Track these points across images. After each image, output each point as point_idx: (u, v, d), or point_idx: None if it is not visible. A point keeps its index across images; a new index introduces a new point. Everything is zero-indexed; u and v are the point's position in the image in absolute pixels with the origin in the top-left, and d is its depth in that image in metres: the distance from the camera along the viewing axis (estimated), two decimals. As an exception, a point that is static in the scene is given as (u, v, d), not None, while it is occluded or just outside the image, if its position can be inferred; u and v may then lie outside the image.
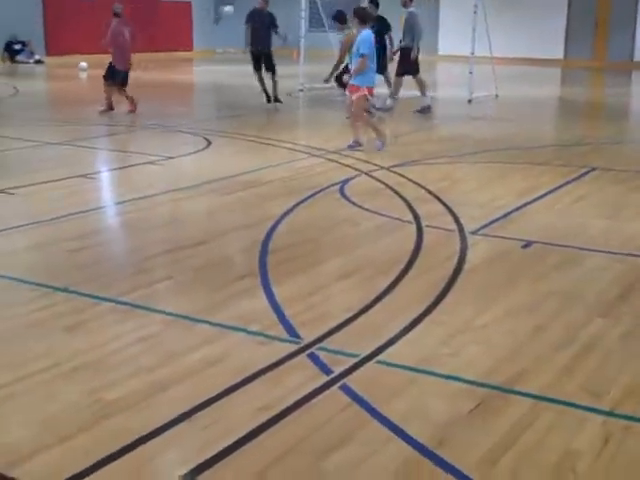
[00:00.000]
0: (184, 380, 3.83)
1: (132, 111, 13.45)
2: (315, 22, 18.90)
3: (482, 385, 3.83)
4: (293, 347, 4.22)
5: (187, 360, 4.06)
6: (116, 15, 13.67)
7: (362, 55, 9.74)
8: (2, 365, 3.98)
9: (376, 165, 9.18)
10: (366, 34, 9.82)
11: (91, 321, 4.59)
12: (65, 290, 5.04)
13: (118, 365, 3.99)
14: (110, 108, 13.55)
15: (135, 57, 13.69)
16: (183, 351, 4.16)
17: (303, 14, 18.24)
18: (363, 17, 9.95)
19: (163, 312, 4.71)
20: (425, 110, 14.42)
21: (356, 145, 10.17)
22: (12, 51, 26.00)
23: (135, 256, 5.95)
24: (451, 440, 3.34)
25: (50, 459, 3.17)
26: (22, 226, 6.61)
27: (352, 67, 10.17)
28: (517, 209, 7.31)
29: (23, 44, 25.99)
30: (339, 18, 13.28)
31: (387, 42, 14.76)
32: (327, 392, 3.73)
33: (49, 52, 26.96)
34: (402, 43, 14.52)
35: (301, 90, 17.62)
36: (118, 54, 13.40)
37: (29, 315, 4.66)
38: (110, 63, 13.57)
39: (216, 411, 3.55)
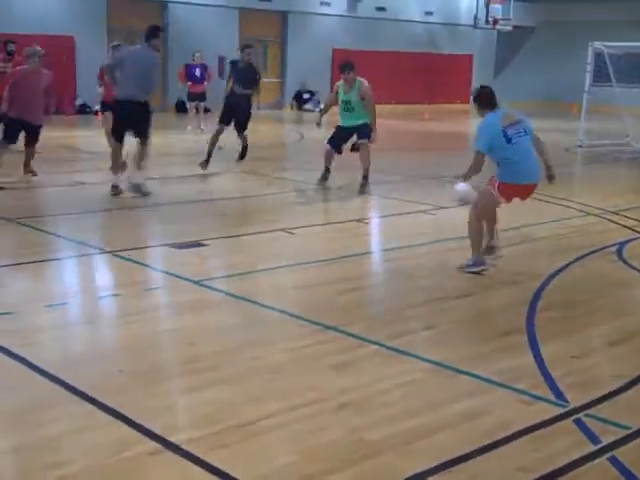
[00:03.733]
0: (444, 429, 3.83)
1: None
2: (601, 76, 18.25)
3: None
4: (559, 410, 4.07)
5: (448, 410, 4.05)
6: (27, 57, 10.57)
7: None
8: (273, 394, 4.21)
9: (659, 228, 8.66)
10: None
11: (357, 361, 4.72)
12: (334, 329, 5.23)
13: (381, 407, 4.07)
14: None
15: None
16: (445, 400, 4.16)
17: (588, 67, 17.69)
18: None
19: (426, 360, 4.74)
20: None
21: (477, 265, 6.77)
22: (300, 100, 27.79)
23: (400, 302, 6.04)
24: None
25: (312, 490, 3.29)
26: (299, 264, 6.98)
27: None
28: None
29: (311, 94, 27.67)
30: None
31: None
32: (594, 462, 3.55)
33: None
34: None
35: (580, 146, 17.10)
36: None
37: (300, 350, 4.89)
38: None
39: (475, 465, 3.50)
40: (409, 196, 10.55)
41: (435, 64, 30.97)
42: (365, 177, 10.72)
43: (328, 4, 28.18)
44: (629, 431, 3.84)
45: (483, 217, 6.84)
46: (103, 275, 6.81)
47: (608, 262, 7.30)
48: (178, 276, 6.38)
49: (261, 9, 26.47)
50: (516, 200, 6.92)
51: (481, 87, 7.09)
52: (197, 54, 19.41)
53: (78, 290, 6.24)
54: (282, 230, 8.19)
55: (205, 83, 19.04)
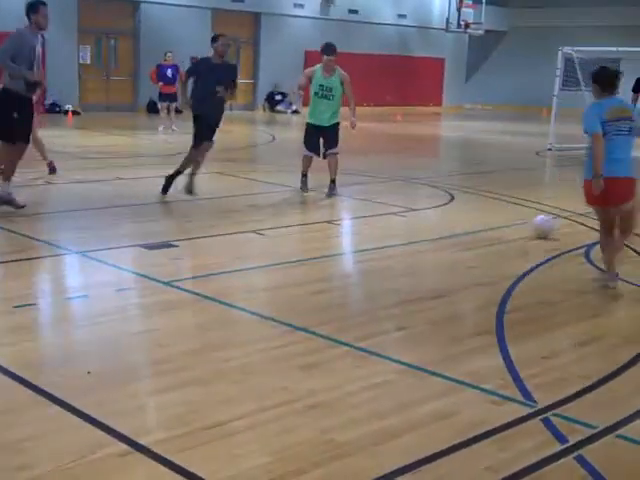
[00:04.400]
0: (413, 430, 3.84)
1: None
2: (570, 81, 18.45)
3: None
4: (527, 410, 4.10)
5: (418, 411, 4.06)
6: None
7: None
8: (243, 395, 4.20)
9: (626, 230, 8.74)
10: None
11: (327, 362, 4.72)
12: (304, 330, 5.23)
13: (351, 408, 4.07)
14: None
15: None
16: (414, 401, 4.17)
17: (558, 72, 17.88)
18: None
19: (397, 361, 4.75)
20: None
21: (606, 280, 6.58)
22: (272, 101, 27.79)
23: (371, 303, 6.06)
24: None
25: (281, 491, 3.29)
26: (269, 266, 6.97)
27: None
28: None
29: (283, 95, 27.66)
30: None
31: None
32: (561, 461, 3.58)
33: (305, 103, 28.47)
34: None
35: (550, 149, 17.27)
36: None
37: (270, 351, 4.88)
38: None
39: (443, 465, 3.52)
40: (380, 198, 10.58)
41: (407, 67, 31.12)
42: (333, 181, 10.69)
43: (301, 6, 28.24)
44: (595, 430, 3.88)
45: (602, 228, 6.61)
46: (72, 276, 6.75)
47: (577, 264, 7.36)
48: (148, 277, 6.35)
49: (234, 10, 26.45)
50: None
51: (601, 67, 6.48)
52: (169, 54, 19.35)
53: (46, 291, 6.18)
54: (253, 231, 8.18)
55: (177, 84, 18.96)
